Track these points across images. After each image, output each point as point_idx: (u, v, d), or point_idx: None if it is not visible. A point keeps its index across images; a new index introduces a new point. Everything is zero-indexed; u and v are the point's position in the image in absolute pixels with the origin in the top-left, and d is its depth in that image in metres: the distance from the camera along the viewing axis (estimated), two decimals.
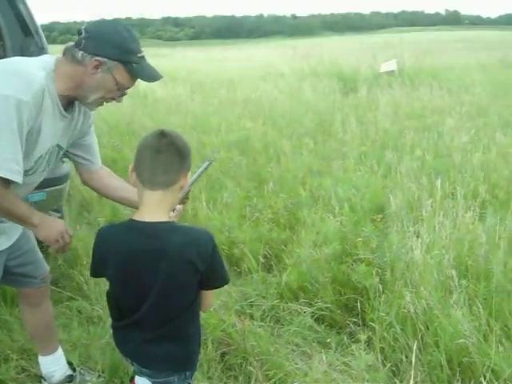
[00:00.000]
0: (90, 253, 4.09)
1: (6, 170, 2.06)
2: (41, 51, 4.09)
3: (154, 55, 26.60)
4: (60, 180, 3.82)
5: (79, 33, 2.18)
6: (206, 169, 2.47)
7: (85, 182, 2.75)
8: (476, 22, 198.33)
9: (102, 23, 2.27)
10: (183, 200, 2.35)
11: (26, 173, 2.26)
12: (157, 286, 1.96)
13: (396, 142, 7.04)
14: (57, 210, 4.43)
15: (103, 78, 2.20)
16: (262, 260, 4.10)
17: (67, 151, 2.60)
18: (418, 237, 3.87)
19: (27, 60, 2.30)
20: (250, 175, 6.09)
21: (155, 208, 1.96)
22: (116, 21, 2.26)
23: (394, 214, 4.47)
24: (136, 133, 8.00)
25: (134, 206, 2.48)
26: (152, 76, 2.29)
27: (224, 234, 4.52)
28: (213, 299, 2.20)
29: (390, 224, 4.39)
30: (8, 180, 2.10)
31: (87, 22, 2.22)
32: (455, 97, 10.58)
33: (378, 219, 4.49)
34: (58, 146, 2.41)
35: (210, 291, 2.10)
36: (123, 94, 2.33)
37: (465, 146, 6.38)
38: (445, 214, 4.23)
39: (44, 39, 4.18)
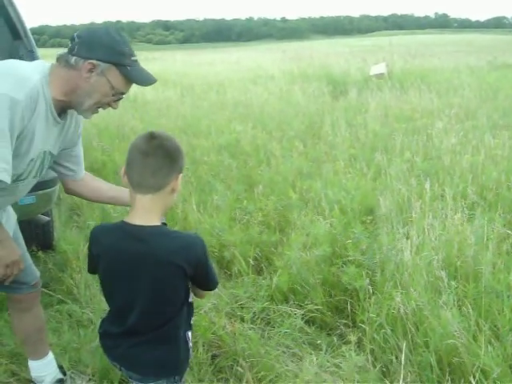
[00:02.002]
0: (80, 256, 4.13)
1: None
2: (30, 54, 4.09)
3: (145, 59, 26.59)
4: (50, 183, 3.79)
5: (72, 39, 2.19)
6: None
7: (71, 191, 2.73)
8: (465, 25, 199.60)
9: (93, 28, 2.26)
10: None
11: (19, 177, 2.26)
12: (145, 291, 1.95)
13: (385, 144, 7.05)
14: (46, 214, 4.41)
15: (97, 82, 2.19)
16: (252, 262, 4.09)
17: (57, 163, 2.59)
18: (407, 238, 3.88)
19: (23, 63, 2.31)
20: (240, 178, 6.10)
21: (146, 212, 1.94)
22: (107, 25, 2.27)
23: (383, 216, 4.49)
24: (126, 135, 7.99)
25: (124, 204, 2.49)
26: (146, 79, 2.28)
27: (214, 237, 4.52)
28: (205, 294, 2.24)
29: (379, 226, 4.39)
30: None
31: (79, 29, 2.21)
32: (444, 99, 10.63)
33: (368, 221, 4.50)
34: (50, 153, 2.40)
35: (205, 292, 2.17)
36: (118, 99, 2.31)
37: (454, 148, 6.41)
38: (434, 215, 4.25)
39: (33, 42, 4.17)
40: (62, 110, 2.32)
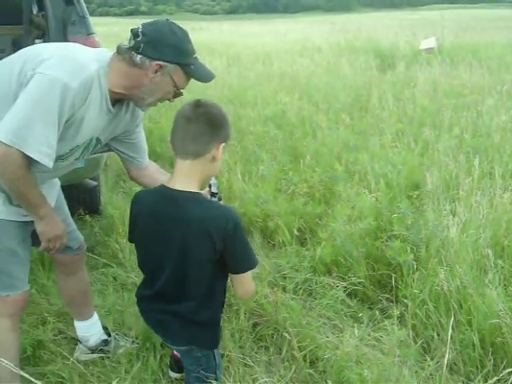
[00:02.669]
0: (126, 221, 4.19)
1: (35, 151, 2.05)
2: (82, 20, 4.13)
3: (191, 29, 26.42)
4: None
5: (135, 35, 2.18)
6: None
7: (134, 179, 2.77)
8: None
9: (157, 25, 2.24)
10: None
11: (59, 158, 2.27)
12: (174, 254, 1.99)
13: (434, 119, 6.91)
14: (94, 179, 4.50)
15: (162, 81, 2.22)
16: (296, 233, 4.11)
17: (114, 148, 2.65)
18: (454, 215, 3.83)
19: (84, 49, 2.33)
20: (285, 149, 6.07)
21: (184, 177, 1.99)
22: (169, 21, 2.26)
23: (430, 192, 4.43)
24: (173, 104, 7.99)
25: None
26: (207, 76, 2.30)
27: (259, 207, 4.53)
28: (246, 286, 2.14)
29: (425, 201, 4.34)
30: (34, 162, 2.10)
31: (141, 24, 2.21)
32: (495, 75, 10.34)
33: (414, 196, 4.45)
34: (98, 139, 2.43)
35: (238, 276, 2.08)
36: (178, 95, 2.34)
37: (504, 126, 6.26)
38: (482, 193, 4.17)
39: (85, 8, 4.21)
40: (117, 100, 2.34)
